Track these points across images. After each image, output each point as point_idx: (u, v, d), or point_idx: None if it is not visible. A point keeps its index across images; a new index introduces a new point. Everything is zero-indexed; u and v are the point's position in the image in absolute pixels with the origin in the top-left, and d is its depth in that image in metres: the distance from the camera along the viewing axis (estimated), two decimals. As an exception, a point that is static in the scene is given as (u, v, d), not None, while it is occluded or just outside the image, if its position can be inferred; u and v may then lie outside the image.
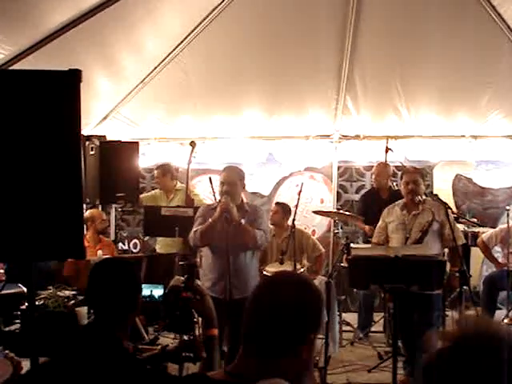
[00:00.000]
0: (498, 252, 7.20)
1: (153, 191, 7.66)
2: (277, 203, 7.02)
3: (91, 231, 6.52)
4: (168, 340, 4.79)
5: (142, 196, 7.40)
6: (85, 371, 2.40)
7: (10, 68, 5.15)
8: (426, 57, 6.82)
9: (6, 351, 3.62)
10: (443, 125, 7.64)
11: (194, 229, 4.82)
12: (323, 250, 7.05)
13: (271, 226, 6.91)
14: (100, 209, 6.92)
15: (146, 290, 5.11)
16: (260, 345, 1.70)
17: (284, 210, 6.72)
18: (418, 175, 5.51)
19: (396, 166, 7.63)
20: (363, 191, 8.06)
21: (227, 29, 6.53)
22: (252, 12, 6.44)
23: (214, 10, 6.34)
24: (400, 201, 5.57)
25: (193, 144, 6.48)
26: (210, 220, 4.76)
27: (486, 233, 7.08)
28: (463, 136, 7.74)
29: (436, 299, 5.13)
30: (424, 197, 5.45)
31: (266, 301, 1.74)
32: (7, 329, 4.29)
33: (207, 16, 6.40)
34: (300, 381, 1.71)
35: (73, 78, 2.68)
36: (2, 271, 5.32)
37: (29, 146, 2.62)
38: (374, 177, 7.25)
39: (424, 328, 5.03)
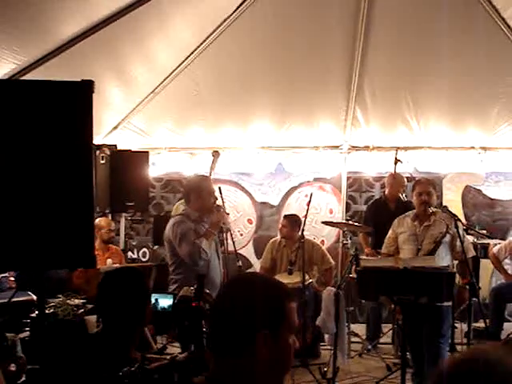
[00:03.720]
0: (507, 264, 7.18)
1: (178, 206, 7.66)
2: (285, 216, 7.05)
3: (99, 240, 6.53)
4: (177, 350, 4.79)
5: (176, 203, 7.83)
6: (92, 380, 2.42)
7: (23, 78, 5.20)
8: (435, 68, 6.83)
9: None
10: (453, 136, 7.63)
11: (195, 243, 4.75)
12: (333, 262, 7.06)
13: (281, 239, 6.94)
14: (110, 217, 6.94)
15: (154, 300, 5.11)
16: (216, 347, 1.74)
17: (292, 222, 6.74)
18: (431, 186, 5.51)
19: (406, 177, 7.61)
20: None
21: (238, 40, 6.57)
22: (262, 23, 6.48)
23: (224, 21, 6.38)
24: (410, 212, 5.56)
25: (215, 154, 6.38)
26: (209, 232, 4.81)
27: (496, 245, 7.06)
28: (473, 148, 7.71)
29: (445, 311, 5.11)
30: (434, 208, 5.45)
31: (217, 304, 1.80)
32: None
33: (218, 27, 6.44)
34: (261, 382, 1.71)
35: (85, 88, 2.71)
36: (12, 279, 5.34)
37: (40, 156, 2.65)
38: (387, 188, 7.22)
39: (433, 340, 5.02)
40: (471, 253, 5.52)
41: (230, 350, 1.70)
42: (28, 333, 4.45)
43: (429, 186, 5.47)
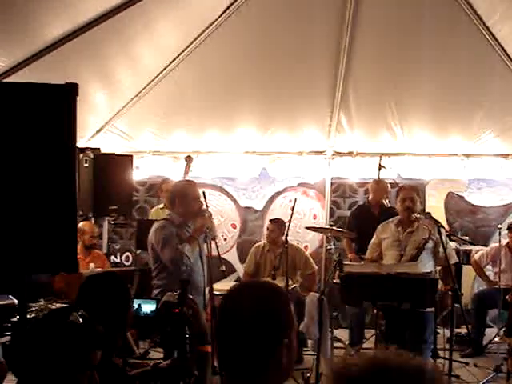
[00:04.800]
0: (489, 270, 7.22)
1: (160, 208, 7.54)
2: (271, 221, 7.02)
3: (81, 244, 6.47)
4: (159, 354, 4.76)
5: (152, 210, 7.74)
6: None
7: (6, 80, 5.15)
8: (419, 76, 6.88)
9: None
10: (436, 143, 7.68)
11: (177, 248, 4.72)
12: (316, 267, 7.07)
13: (266, 243, 6.93)
14: (93, 221, 6.89)
15: (137, 305, 5.10)
16: (235, 368, 1.68)
17: (279, 226, 6.72)
18: (415, 192, 5.55)
19: (389, 183, 7.64)
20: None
21: (222, 45, 6.57)
22: (247, 29, 6.48)
23: (209, 26, 6.38)
24: (394, 218, 5.59)
25: (188, 159, 6.39)
26: (192, 237, 4.79)
27: (478, 252, 7.11)
28: (455, 154, 7.77)
29: (428, 317, 5.13)
30: (417, 215, 5.48)
31: (228, 321, 1.72)
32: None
33: (203, 32, 6.44)
34: None
35: (69, 91, 2.69)
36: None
37: (23, 159, 2.62)
38: (371, 193, 7.25)
39: (416, 346, 5.03)
40: (454, 259, 5.56)
41: (251, 368, 1.65)
42: (9, 337, 4.40)
43: (412, 193, 5.51)
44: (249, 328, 1.65)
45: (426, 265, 5.24)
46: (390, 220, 5.62)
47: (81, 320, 2.23)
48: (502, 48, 6.34)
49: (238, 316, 1.68)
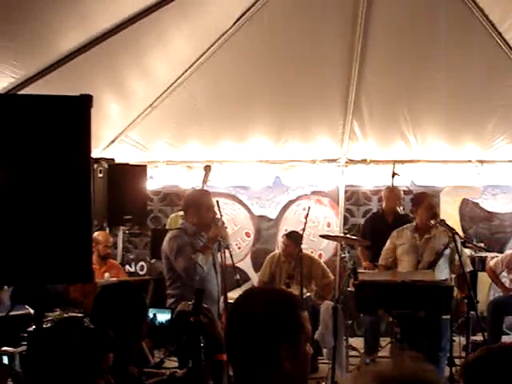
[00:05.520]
0: (504, 277, 7.17)
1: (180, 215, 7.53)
2: (287, 235, 6.96)
3: (96, 254, 6.50)
4: (174, 363, 4.77)
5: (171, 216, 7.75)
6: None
7: (21, 92, 5.21)
8: (432, 82, 6.87)
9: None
10: (450, 150, 7.64)
11: (191, 258, 4.73)
12: (332, 277, 7.05)
13: (281, 254, 6.93)
14: (107, 231, 6.92)
15: (152, 315, 5.12)
16: (239, 365, 1.74)
17: (295, 241, 6.66)
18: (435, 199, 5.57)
19: (403, 191, 7.62)
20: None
21: (235, 55, 6.61)
22: (259, 38, 6.51)
23: (222, 35, 6.42)
24: (409, 224, 5.57)
25: (207, 168, 6.34)
26: (206, 247, 4.80)
27: (493, 259, 7.06)
28: (470, 161, 7.73)
29: (444, 325, 5.10)
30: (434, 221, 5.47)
31: (234, 322, 1.79)
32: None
33: (215, 42, 6.48)
34: None
35: (84, 103, 2.71)
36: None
37: (38, 170, 2.65)
38: (384, 201, 7.23)
39: (432, 353, 5.01)
40: (468, 268, 5.53)
41: (253, 367, 1.70)
42: (25, 347, 4.42)
43: (435, 199, 5.54)
44: (251, 327, 1.71)
45: (443, 272, 5.22)
46: (405, 226, 5.60)
47: (92, 325, 2.26)
48: (515, 54, 6.33)
49: (243, 315, 1.75)
